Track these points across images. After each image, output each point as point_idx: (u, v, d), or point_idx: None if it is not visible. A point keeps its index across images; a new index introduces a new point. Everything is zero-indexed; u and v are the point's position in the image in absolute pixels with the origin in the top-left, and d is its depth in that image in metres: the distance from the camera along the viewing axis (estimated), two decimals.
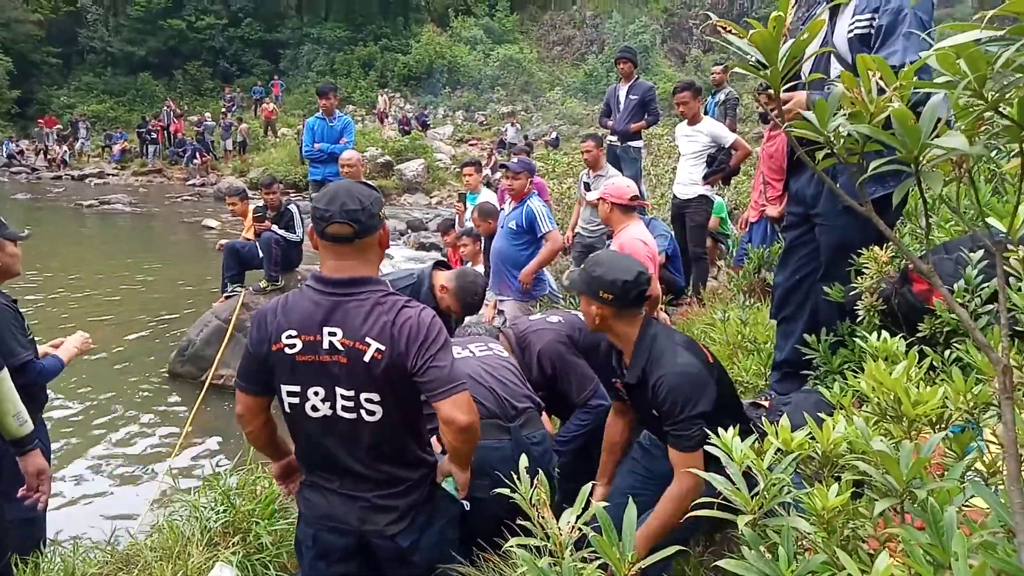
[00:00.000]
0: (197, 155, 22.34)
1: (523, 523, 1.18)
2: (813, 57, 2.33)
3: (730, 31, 0.93)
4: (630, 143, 6.84)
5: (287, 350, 1.81)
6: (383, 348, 1.75)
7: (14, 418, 2.22)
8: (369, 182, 2.16)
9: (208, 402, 5.65)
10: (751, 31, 0.89)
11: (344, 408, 1.81)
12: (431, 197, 18.42)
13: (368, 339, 1.76)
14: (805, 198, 2.73)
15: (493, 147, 21.44)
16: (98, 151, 25.86)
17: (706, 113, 6.41)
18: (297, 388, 1.83)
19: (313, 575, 2.04)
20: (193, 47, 33.06)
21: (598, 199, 4.06)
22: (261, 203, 6.68)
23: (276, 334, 1.83)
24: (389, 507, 1.88)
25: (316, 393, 1.81)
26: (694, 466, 1.87)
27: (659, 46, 32.36)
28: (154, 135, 23.86)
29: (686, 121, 5.66)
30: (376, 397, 1.79)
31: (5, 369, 2.18)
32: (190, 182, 21.60)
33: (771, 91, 4.00)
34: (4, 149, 25.28)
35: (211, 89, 32.16)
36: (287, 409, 1.87)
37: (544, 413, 2.73)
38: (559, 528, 1.07)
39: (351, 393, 1.79)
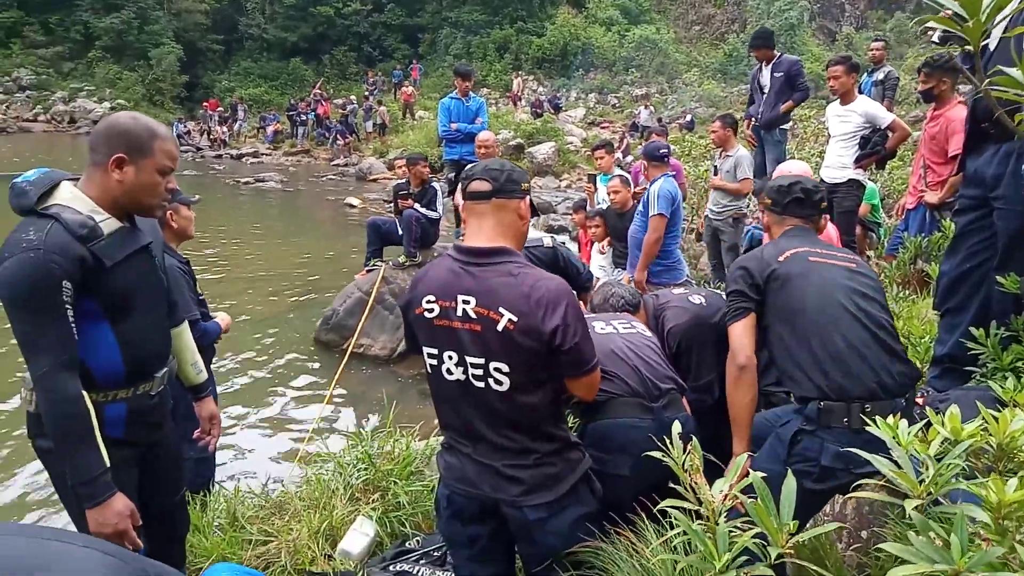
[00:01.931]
0: (341, 136, 23.55)
1: (674, 487, 1.17)
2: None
3: None
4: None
5: (426, 314, 1.89)
6: (517, 319, 1.77)
7: (192, 366, 2.40)
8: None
9: (349, 368, 6.00)
10: None
11: (474, 376, 1.85)
12: (560, 180, 18.44)
13: (502, 309, 1.79)
14: (984, 179, 2.50)
15: (625, 130, 21.12)
16: (253, 132, 27.86)
17: (861, 92, 6.00)
18: (435, 351, 1.90)
19: (449, 533, 2.12)
20: (340, 33, 34.77)
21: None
22: (404, 180, 6.92)
23: (419, 298, 1.91)
24: (517, 478, 1.90)
25: (450, 357, 1.87)
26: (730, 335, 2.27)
27: (807, 24, 30.53)
28: (303, 117, 25.39)
29: (838, 100, 5.32)
30: (505, 367, 1.81)
31: (186, 322, 2.41)
32: (334, 162, 22.78)
33: (926, 69, 3.72)
34: (174, 129, 27.75)
35: (355, 73, 33.73)
36: (428, 370, 1.95)
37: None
38: (712, 495, 1.06)
39: (481, 361, 1.82)
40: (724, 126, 5.97)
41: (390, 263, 6.91)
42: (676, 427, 1.27)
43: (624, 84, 29.23)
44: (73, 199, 1.84)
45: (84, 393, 1.82)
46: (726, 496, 1.07)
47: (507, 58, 31.46)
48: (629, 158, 15.18)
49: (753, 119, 6.61)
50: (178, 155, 2.04)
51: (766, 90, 6.47)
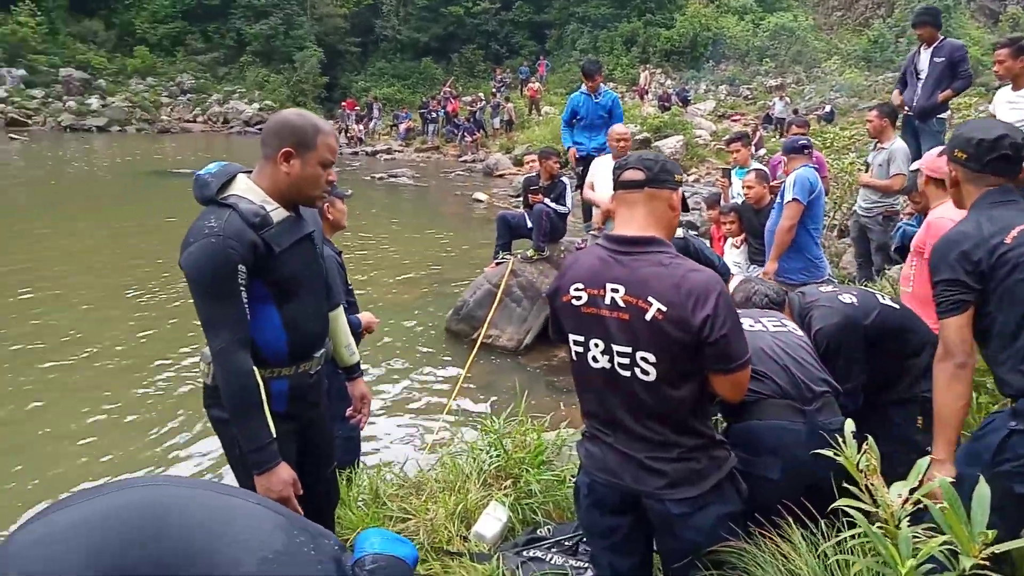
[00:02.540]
0: (469, 133, 24.09)
1: (848, 486, 1.12)
2: None
3: None
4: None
5: (574, 302, 1.90)
6: (666, 309, 1.75)
7: (346, 348, 2.55)
8: None
9: (478, 359, 6.14)
10: None
11: (620, 365, 1.84)
12: (688, 174, 17.97)
13: (651, 298, 1.77)
14: None
15: (758, 122, 20.28)
16: (387, 130, 29.07)
17: None
18: (581, 338, 1.90)
19: (587, 522, 2.13)
20: (469, 32, 35.62)
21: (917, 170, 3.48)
22: (534, 174, 6.98)
23: (567, 286, 1.93)
24: (660, 471, 1.87)
25: (596, 345, 1.87)
26: (944, 330, 1.96)
27: (964, 4, 28.05)
28: (433, 115, 26.20)
29: (1010, 86, 4.85)
30: (652, 357, 1.79)
31: (341, 307, 2.56)
32: (462, 158, 23.35)
33: None
34: None
35: (483, 71, 34.43)
36: (573, 357, 1.96)
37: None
38: (891, 498, 1.00)
39: (628, 350, 1.81)
40: (881, 116, 5.58)
41: (519, 256, 7.00)
42: (849, 425, 1.21)
43: (757, 75, 28.07)
44: (248, 190, 1.98)
45: (255, 369, 1.97)
46: (907, 500, 1.01)
47: (634, 51, 31.01)
48: (762, 151, 14.56)
49: (907, 107, 6.14)
50: (338, 149, 2.16)
51: (923, 75, 5.97)
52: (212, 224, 1.88)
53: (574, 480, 3.30)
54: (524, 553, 2.81)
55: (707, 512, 1.88)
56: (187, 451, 4.71)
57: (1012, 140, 2.02)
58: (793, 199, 4.68)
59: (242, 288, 1.91)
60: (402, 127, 27.28)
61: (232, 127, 32.42)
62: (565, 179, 6.92)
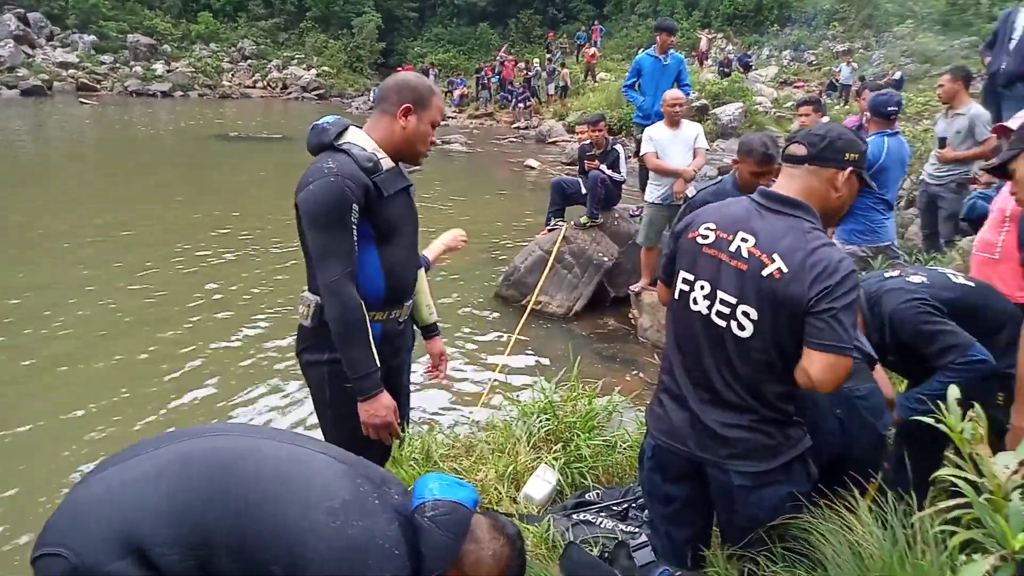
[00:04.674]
0: (522, 100, 23.87)
1: (952, 456, 1.06)
2: None
3: None
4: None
5: (699, 239, 1.89)
6: (785, 270, 1.71)
7: (427, 307, 2.66)
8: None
9: (529, 324, 6.14)
10: None
11: (719, 313, 1.82)
12: None
13: (775, 256, 1.74)
14: None
15: (822, 88, 19.53)
16: (442, 96, 28.98)
17: None
18: (691, 277, 1.89)
19: (649, 486, 2.11)
20: None
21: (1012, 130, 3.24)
22: (588, 142, 6.89)
23: (698, 224, 1.93)
24: (727, 439, 1.83)
25: (702, 287, 1.85)
26: None
27: None
28: (487, 81, 26.00)
29: None
30: (754, 314, 1.75)
31: (423, 268, 2.60)
32: (515, 125, 23.20)
33: None
34: (371, 95, 29.51)
35: (539, 36, 33.97)
36: (676, 296, 1.94)
37: (879, 366, 2.45)
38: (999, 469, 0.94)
39: (732, 300, 1.79)
40: (955, 78, 5.29)
41: (571, 223, 6.93)
42: (953, 392, 1.13)
43: (824, 39, 26.92)
44: (361, 139, 2.13)
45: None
46: (1015, 471, 0.95)
47: (696, 15, 30.12)
48: (825, 119, 14.01)
49: (993, 73, 5.76)
50: (445, 113, 2.33)
51: (1016, 36, 5.56)
52: (331, 165, 2.02)
53: (625, 446, 3.30)
54: (574, 516, 2.81)
55: (772, 489, 1.84)
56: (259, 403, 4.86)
57: None
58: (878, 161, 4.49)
59: (354, 226, 2.04)
60: (456, 93, 27.20)
61: (290, 93, 32.87)
62: (619, 147, 6.80)
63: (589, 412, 3.40)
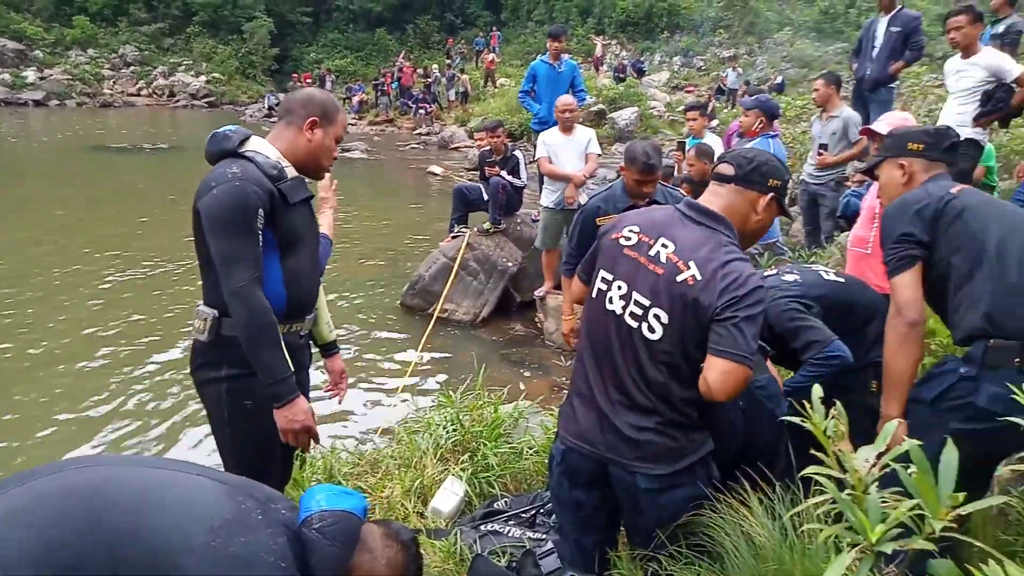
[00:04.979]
0: (423, 106, 23.74)
1: (816, 453, 1.11)
2: None
3: None
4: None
5: (622, 240, 1.94)
6: (699, 278, 1.78)
7: (326, 325, 2.58)
8: None
9: (434, 334, 6.09)
10: None
11: (632, 314, 1.86)
12: None
13: (691, 263, 1.80)
14: None
15: (711, 94, 20.41)
16: (340, 102, 28.42)
17: None
18: (609, 277, 1.94)
19: (557, 491, 2.11)
20: (424, 1, 34.90)
21: (879, 133, 3.45)
22: (488, 148, 6.91)
23: (623, 226, 1.98)
24: (635, 441, 1.86)
25: (619, 288, 1.90)
26: (895, 289, 2.00)
27: None
28: (386, 87, 25.71)
29: (959, 55, 4.93)
30: (664, 317, 1.81)
31: (321, 282, 2.52)
32: (417, 131, 23.03)
33: None
34: (265, 102, 28.64)
35: (438, 42, 33.89)
36: (593, 294, 1.99)
37: (770, 360, 2.58)
38: (859, 464, 1.00)
39: (646, 302, 1.84)
40: (828, 83, 5.63)
41: (475, 229, 6.94)
42: (817, 391, 1.19)
43: (711, 46, 28.18)
44: (264, 147, 2.12)
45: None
46: (874, 464, 1.00)
47: (590, 22, 30.85)
48: (715, 122, 14.67)
49: (860, 79, 6.20)
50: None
51: (878, 44, 6.05)
52: (235, 170, 1.99)
53: (532, 452, 3.31)
54: (482, 527, 2.80)
55: (676, 492, 1.88)
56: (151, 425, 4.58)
57: (955, 133, 2.26)
58: None
59: (259, 232, 2.00)
60: (355, 100, 26.75)
61: (178, 100, 31.40)
62: (519, 153, 6.85)
63: (495, 420, 3.41)
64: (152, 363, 5.48)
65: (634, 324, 1.86)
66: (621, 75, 23.24)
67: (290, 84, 29.64)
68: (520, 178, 6.77)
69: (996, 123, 5.06)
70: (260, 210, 1.98)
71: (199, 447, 4.21)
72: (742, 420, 2.20)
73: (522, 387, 5.03)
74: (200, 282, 2.15)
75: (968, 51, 4.83)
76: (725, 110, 17.87)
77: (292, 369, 2.05)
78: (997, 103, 4.65)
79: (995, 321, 1.85)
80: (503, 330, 6.49)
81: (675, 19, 29.93)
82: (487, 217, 6.92)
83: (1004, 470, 2.21)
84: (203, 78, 32.41)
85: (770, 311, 2.52)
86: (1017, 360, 1.81)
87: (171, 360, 5.47)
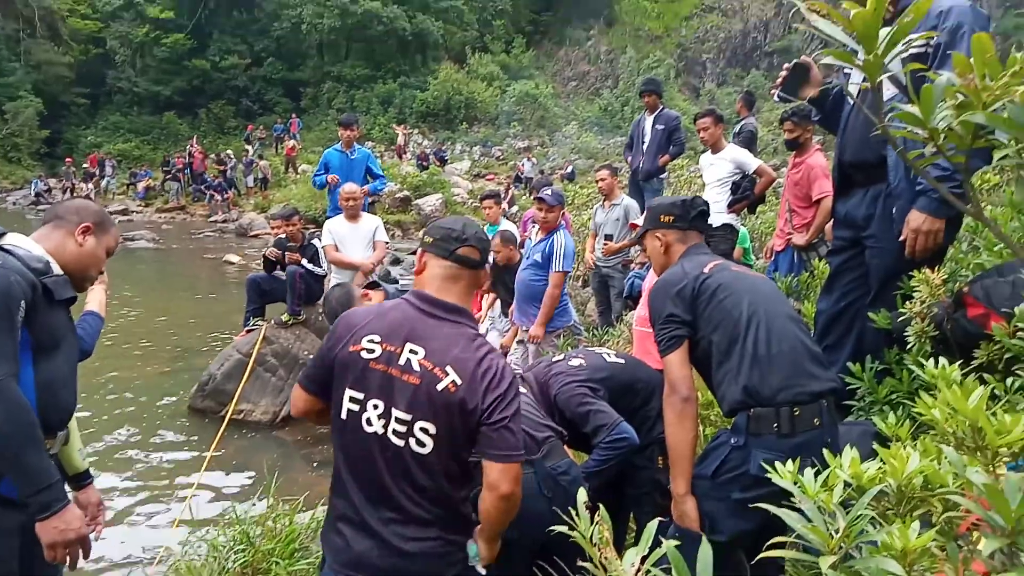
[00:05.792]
0: (219, 192, 22.65)
1: (584, 564, 1.07)
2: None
3: (823, 14, 0.85)
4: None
5: (364, 353, 1.78)
6: (459, 383, 1.71)
7: (79, 452, 2.25)
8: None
9: (229, 437, 5.57)
10: (847, 12, 0.81)
11: (395, 432, 1.74)
12: None
13: (448, 368, 1.72)
14: (856, 221, 2.65)
15: (510, 181, 21.52)
16: (123, 189, 26.32)
17: None
18: (360, 396, 1.77)
19: None
20: (217, 86, 33.79)
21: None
22: (283, 236, 6.64)
23: (359, 336, 1.80)
24: (416, 554, 1.76)
25: (375, 407, 1.76)
26: (667, 368, 2.12)
27: (673, 80, 32.57)
28: (177, 173, 24.27)
29: (710, 150, 5.60)
30: (432, 429, 1.72)
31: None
32: (212, 218, 21.86)
33: (794, 119, 3.89)
34: (32, 188, 25.76)
35: (234, 127, 32.75)
36: (343, 416, 1.80)
37: (567, 445, 2.60)
38: (624, 569, 0.97)
39: (407, 417, 1.73)
40: (611, 173, 6.12)
41: (272, 322, 6.55)
42: (582, 496, 1.17)
43: (507, 137, 29.96)
44: (26, 243, 1.96)
45: None
46: (639, 570, 0.98)
47: (391, 112, 31.56)
48: (515, 208, 15.43)
49: (635, 170, 6.85)
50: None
51: (647, 140, 6.73)
52: None
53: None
54: None
55: None
56: None
57: (701, 200, 2.42)
58: (563, 271, 4.89)
59: (19, 327, 1.81)
60: (140, 186, 24.92)
61: None
62: (316, 241, 6.65)
63: (290, 534, 3.11)
64: None
65: (399, 442, 1.75)
66: (424, 163, 23.85)
67: (63, 168, 27.02)
68: (321, 266, 6.54)
69: (746, 209, 5.76)
70: (23, 302, 1.80)
71: None
72: (548, 508, 2.17)
73: (326, 489, 4.68)
74: None
75: (716, 147, 5.53)
76: (524, 197, 18.89)
77: (58, 474, 1.84)
78: (743, 192, 5.31)
79: (752, 392, 2.00)
80: (307, 429, 6.07)
81: (472, 111, 31.51)
82: (286, 308, 6.57)
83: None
84: None
85: (560, 397, 2.58)
86: (775, 425, 1.95)
87: None
